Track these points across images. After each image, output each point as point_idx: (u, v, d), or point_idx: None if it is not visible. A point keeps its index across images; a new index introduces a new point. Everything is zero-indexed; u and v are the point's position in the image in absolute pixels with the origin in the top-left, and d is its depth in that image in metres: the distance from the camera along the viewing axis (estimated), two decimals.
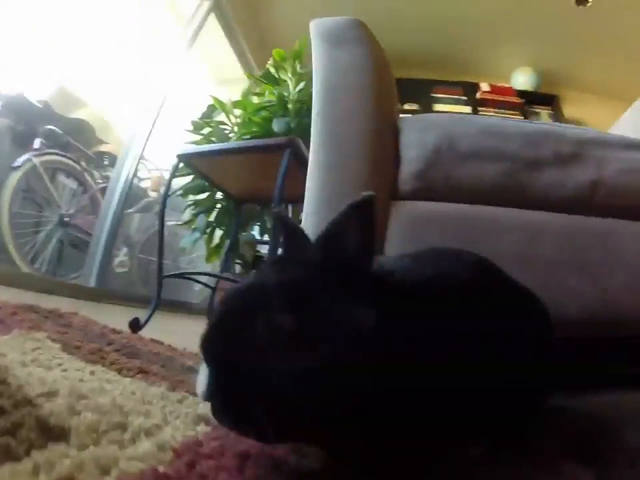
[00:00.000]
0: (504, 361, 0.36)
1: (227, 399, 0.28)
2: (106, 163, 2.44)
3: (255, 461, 0.32)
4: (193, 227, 1.90)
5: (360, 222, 0.31)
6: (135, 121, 2.23)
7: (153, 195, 2.69)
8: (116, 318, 1.38)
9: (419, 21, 2.82)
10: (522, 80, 3.23)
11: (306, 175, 1.41)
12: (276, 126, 1.78)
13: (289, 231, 0.37)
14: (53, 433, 0.31)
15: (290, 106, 1.95)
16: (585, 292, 0.73)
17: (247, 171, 1.51)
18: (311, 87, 1.98)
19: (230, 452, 0.32)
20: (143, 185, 2.64)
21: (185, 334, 1.62)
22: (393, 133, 0.89)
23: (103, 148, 2.44)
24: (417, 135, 0.85)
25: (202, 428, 0.41)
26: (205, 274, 1.74)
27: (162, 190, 2.67)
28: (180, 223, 2.06)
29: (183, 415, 0.44)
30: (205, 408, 0.46)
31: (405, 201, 0.84)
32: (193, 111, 2.18)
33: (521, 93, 3.21)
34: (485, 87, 3.21)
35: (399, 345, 0.30)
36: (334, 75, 0.89)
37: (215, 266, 2.25)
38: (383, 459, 0.32)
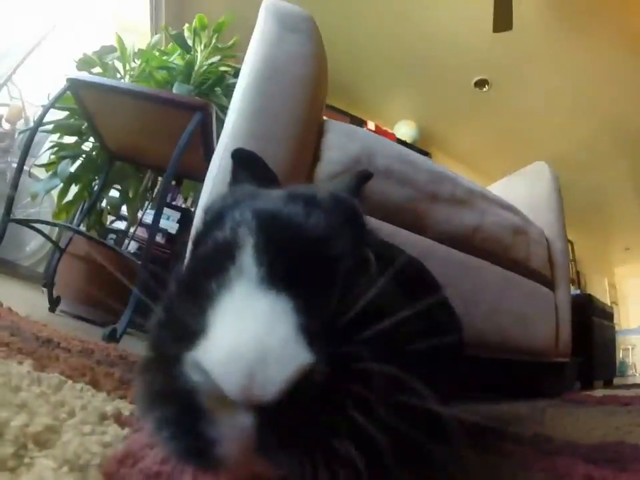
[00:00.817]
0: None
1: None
2: None
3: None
4: (52, 171, 1.58)
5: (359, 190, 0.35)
6: (15, 36, 1.79)
7: (5, 126, 2.18)
8: None
9: (330, 39, 2.91)
10: (404, 130, 3.62)
11: (205, 149, 1.33)
12: (177, 90, 1.65)
13: (260, 165, 0.36)
14: None
15: (194, 76, 1.84)
16: None
17: (137, 123, 1.34)
18: (222, 65, 1.89)
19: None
20: None
21: (16, 300, 1.31)
22: (318, 130, 0.90)
23: None
24: (342, 140, 0.88)
25: (114, 429, 0.28)
26: (65, 226, 1.44)
27: (18, 124, 2.21)
28: (38, 164, 1.68)
29: (78, 408, 0.29)
30: (104, 400, 0.33)
31: None
32: (82, 49, 1.84)
33: (400, 142, 3.49)
34: (371, 125, 3.50)
35: None
36: (281, 56, 0.86)
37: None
38: None
